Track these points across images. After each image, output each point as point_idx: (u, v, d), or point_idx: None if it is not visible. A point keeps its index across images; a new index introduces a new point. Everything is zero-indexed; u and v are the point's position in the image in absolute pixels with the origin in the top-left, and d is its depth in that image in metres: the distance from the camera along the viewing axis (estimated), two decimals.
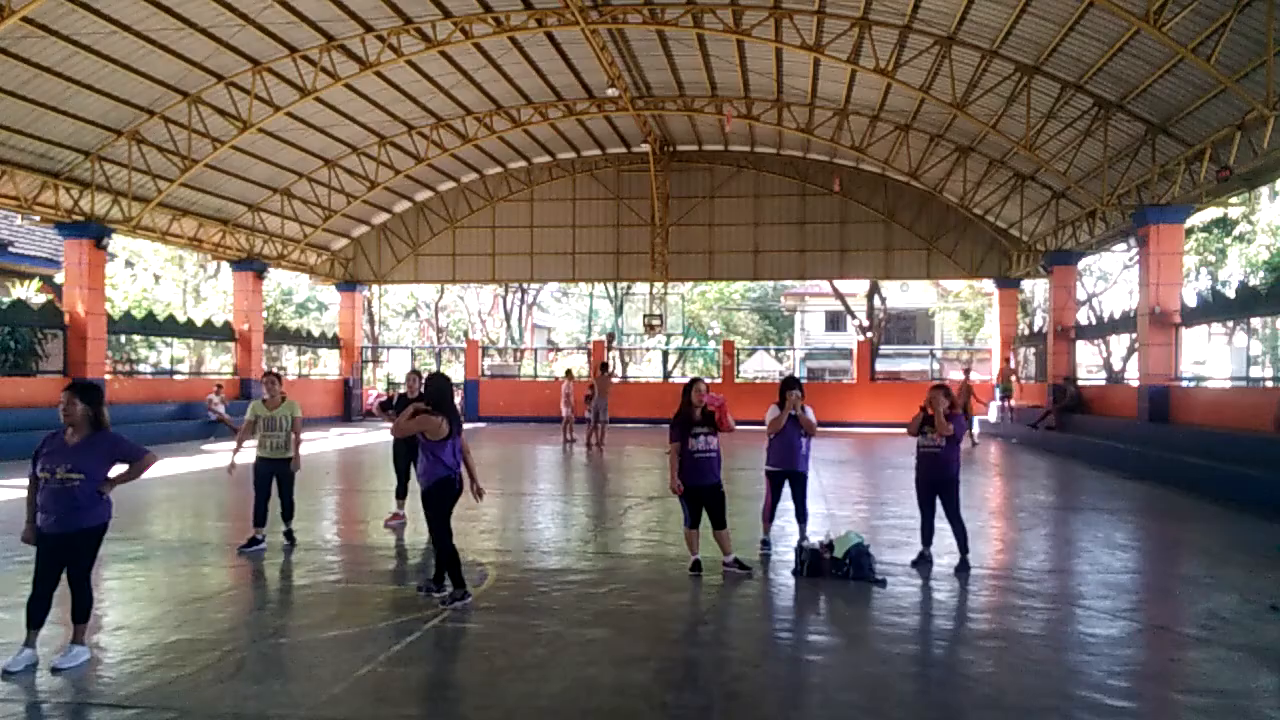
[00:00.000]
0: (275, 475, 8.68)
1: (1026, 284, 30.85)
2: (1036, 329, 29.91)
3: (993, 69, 17.34)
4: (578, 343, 47.96)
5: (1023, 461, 18.38)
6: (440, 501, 6.67)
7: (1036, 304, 36.02)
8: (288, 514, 8.82)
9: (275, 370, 9.56)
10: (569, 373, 22.86)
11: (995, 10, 15.66)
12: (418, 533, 9.41)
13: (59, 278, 21.59)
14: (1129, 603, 7.08)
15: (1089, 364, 34.55)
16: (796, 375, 27.82)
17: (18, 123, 17.20)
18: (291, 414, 8.73)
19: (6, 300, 20.18)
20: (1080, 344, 24.76)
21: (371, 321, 39.73)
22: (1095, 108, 17.29)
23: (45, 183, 18.83)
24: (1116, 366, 31.61)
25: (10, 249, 25.19)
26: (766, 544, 8.54)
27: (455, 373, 34.13)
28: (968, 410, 22.19)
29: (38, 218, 19.69)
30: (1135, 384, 18.76)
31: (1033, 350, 27.46)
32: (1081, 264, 26.28)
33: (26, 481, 5.32)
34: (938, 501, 8.01)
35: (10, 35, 14.42)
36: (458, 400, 28.96)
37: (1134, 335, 21.00)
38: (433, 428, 6.62)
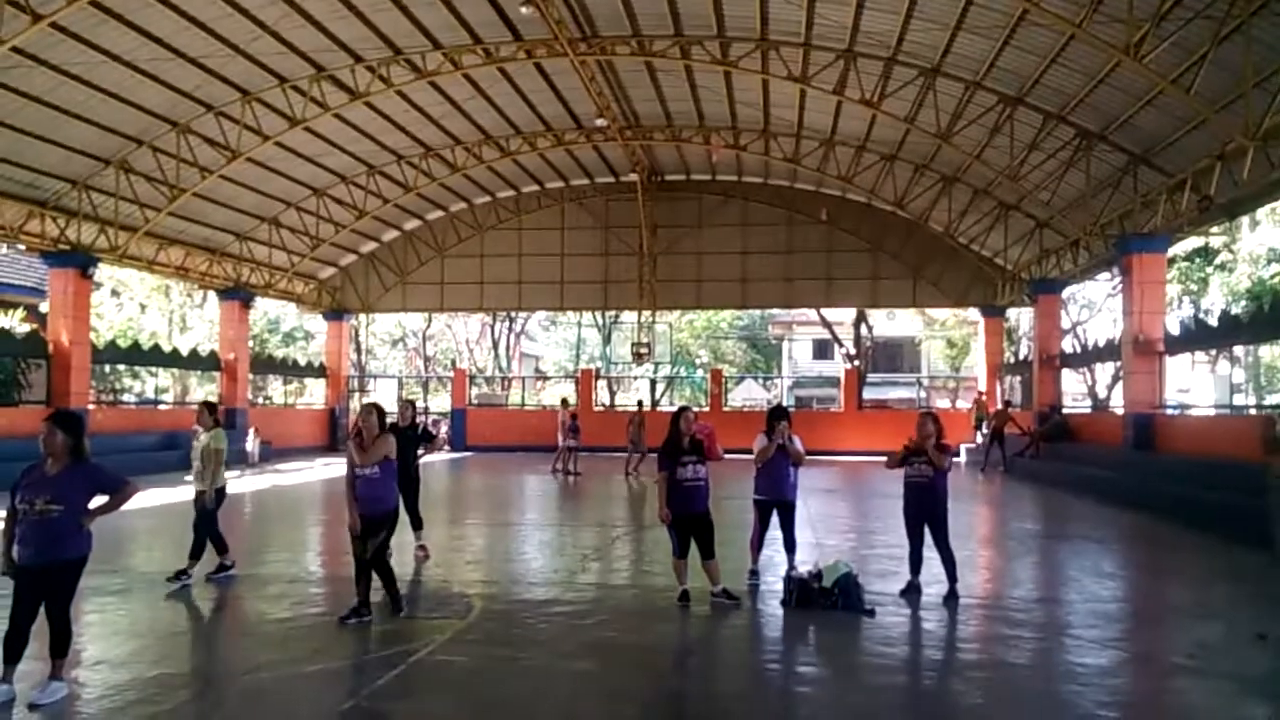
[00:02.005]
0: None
1: (1012, 312, 31.05)
2: (1022, 357, 30.05)
3: (976, 100, 17.58)
4: (565, 371, 47.87)
5: (1008, 490, 18.40)
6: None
7: (1022, 332, 36.23)
8: (218, 547, 8.55)
9: (210, 401, 9.40)
10: (565, 401, 22.85)
11: (979, 42, 15.90)
12: (401, 564, 9.31)
13: (43, 306, 21.47)
14: (1117, 632, 7.07)
15: (1074, 392, 34.71)
16: (784, 404, 27.78)
17: (5, 152, 17.18)
18: (216, 445, 8.48)
19: None
20: (1065, 372, 24.89)
21: (359, 350, 39.61)
22: (1077, 138, 17.52)
23: (31, 211, 18.77)
24: (1101, 394, 31.77)
25: None
26: (755, 574, 8.48)
27: (443, 402, 33.98)
28: (1000, 435, 22.24)
29: (23, 246, 19.63)
30: (1120, 412, 18.85)
31: (1019, 378, 27.59)
32: (1065, 292, 26.50)
33: (3, 513, 5.24)
34: (926, 530, 7.98)
35: None
36: (443, 429, 28.85)
37: (1118, 363, 21.14)
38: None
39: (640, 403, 23.32)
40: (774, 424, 8.25)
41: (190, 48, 16.14)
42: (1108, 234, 18.89)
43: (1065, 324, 29.70)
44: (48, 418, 5.36)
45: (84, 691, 5.39)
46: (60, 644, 5.22)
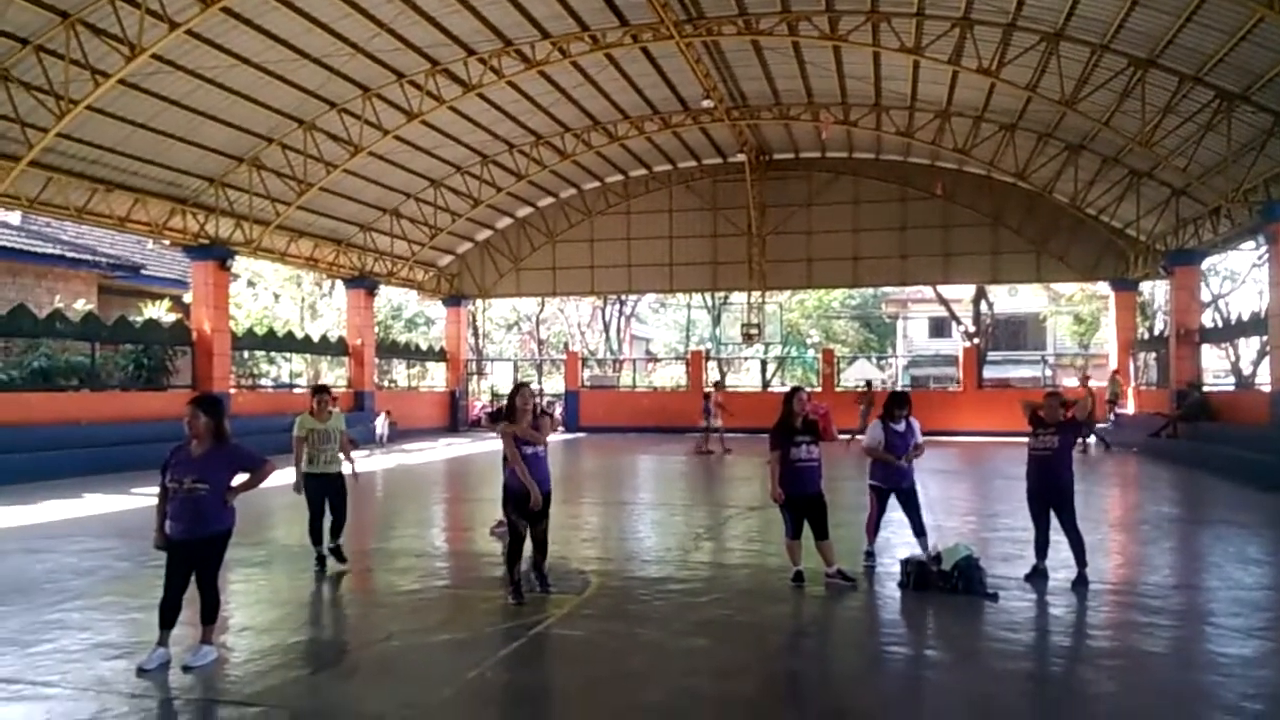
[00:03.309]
0: (326, 492, 8.19)
1: (1145, 286, 29.44)
2: (1157, 333, 28.44)
3: (1104, 64, 16.64)
4: (676, 353, 48.02)
5: (1144, 471, 17.50)
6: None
7: (1157, 306, 34.28)
8: (337, 528, 8.28)
9: (324, 384, 9.51)
10: (718, 384, 23.29)
11: (1105, 3, 15.04)
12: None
13: (187, 298, 22.89)
14: (1264, 621, 6.65)
15: (1215, 369, 32.66)
16: (904, 389, 27.37)
17: (148, 153, 18.36)
18: (339, 428, 8.30)
19: (139, 319, 21.51)
20: (1205, 348, 23.45)
21: (476, 335, 40.72)
22: (1216, 100, 16.39)
23: (174, 209, 20.03)
24: (1246, 371, 29.80)
25: (143, 271, 26.83)
26: (871, 555, 8.31)
27: (556, 384, 34.63)
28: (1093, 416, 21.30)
29: (167, 241, 20.99)
30: (1267, 389, 17.65)
31: (1154, 355, 26.14)
32: (1205, 264, 24.88)
33: (157, 491, 5.65)
34: (1052, 512, 7.67)
35: (140, 72, 15.40)
36: (558, 411, 29.43)
37: (1265, 338, 19.78)
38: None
39: (717, 383, 25.08)
40: (893, 411, 8.08)
41: (314, 48, 16.86)
42: (1251, 201, 17.64)
43: (1205, 297, 27.98)
44: (191, 401, 5.69)
45: (231, 656, 5.78)
46: (210, 611, 5.58)
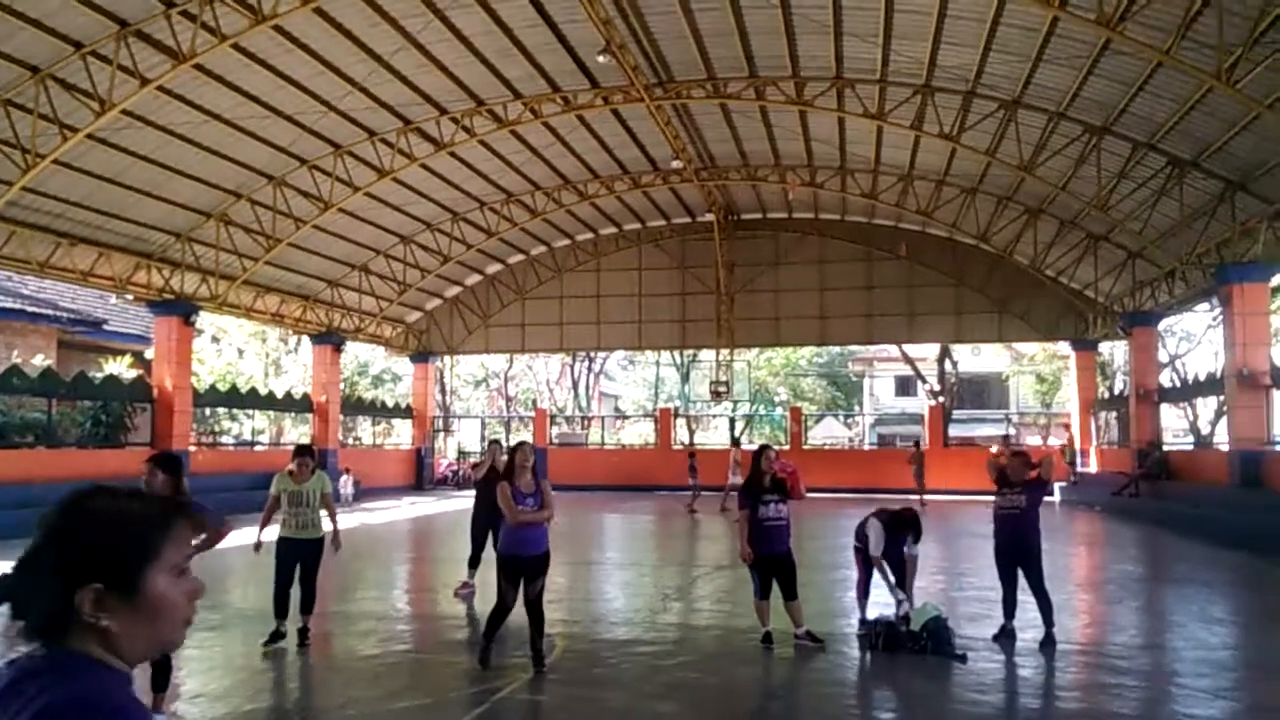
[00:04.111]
0: (300, 558, 7.47)
1: (1105, 346, 30.02)
2: (1117, 392, 28.96)
3: (1060, 130, 17.20)
4: (644, 410, 47.99)
5: (1108, 529, 17.64)
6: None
7: (1116, 366, 34.93)
8: (307, 604, 7.54)
9: (306, 444, 8.59)
10: (737, 442, 23.70)
11: (1060, 74, 15.60)
12: (485, 601, 9.39)
13: (149, 353, 22.58)
14: (1230, 681, 6.68)
15: (1174, 428, 33.23)
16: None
17: (115, 208, 18.23)
18: (321, 488, 7.60)
19: (99, 375, 21.12)
20: (1165, 407, 23.88)
21: (443, 391, 40.45)
22: (1169, 166, 16.96)
23: (139, 263, 19.83)
24: (1204, 430, 30.33)
25: (104, 327, 26.45)
26: (864, 623, 7.81)
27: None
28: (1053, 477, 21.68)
29: (130, 296, 20.72)
30: (1225, 448, 17.96)
31: (1114, 414, 26.56)
32: (1162, 325, 25.51)
33: None
34: (1019, 572, 7.67)
35: (109, 126, 15.37)
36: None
37: (1221, 398, 20.19)
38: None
39: (735, 440, 26.38)
40: (899, 535, 7.82)
41: (286, 105, 16.96)
42: (1205, 264, 18.18)
43: (1163, 357, 28.55)
44: (150, 459, 5.60)
45: None
46: (162, 679, 5.39)
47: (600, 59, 15.98)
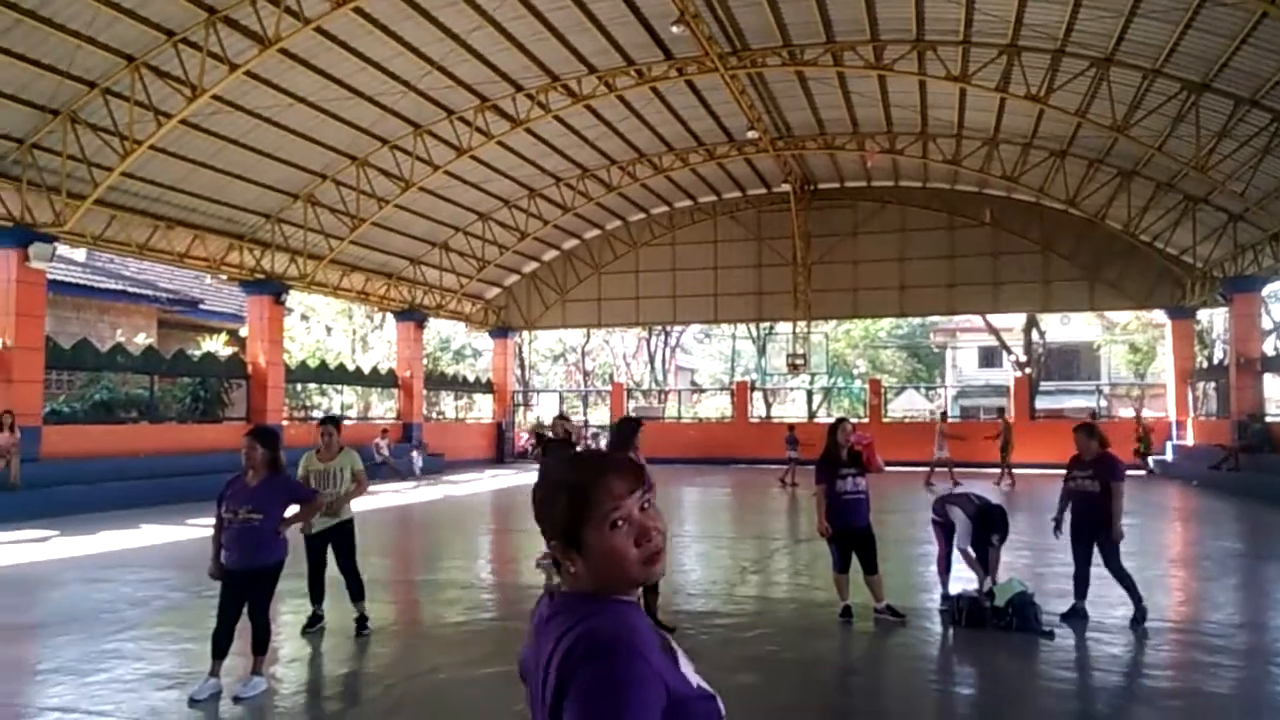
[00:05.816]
0: (331, 543, 7.08)
1: (1203, 314, 28.72)
2: (1216, 362, 27.70)
3: (1156, 88, 16.40)
4: (721, 384, 47.87)
5: (1204, 504, 16.98)
6: None
7: (1216, 335, 33.40)
8: (356, 592, 7.10)
9: (333, 415, 7.61)
10: (945, 415, 25.41)
11: (1156, 28, 14.86)
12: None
13: (243, 331, 23.45)
14: None
15: (1278, 399, 31.65)
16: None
17: (207, 190, 18.92)
18: (351, 465, 7.06)
19: (197, 353, 22.05)
20: (1268, 377, 22.77)
21: (522, 366, 41.04)
22: (1275, 123, 16.05)
23: (231, 244, 20.58)
24: None
25: (201, 306, 27.58)
26: (946, 598, 7.72)
27: (602, 415, 34.72)
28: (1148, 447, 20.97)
29: (224, 276, 21.55)
30: None
31: (1213, 385, 25.44)
32: (1266, 290, 24.26)
33: (213, 521, 5.76)
34: (1093, 551, 7.29)
35: (201, 112, 15.93)
36: (602, 442, 29.45)
37: None
38: None
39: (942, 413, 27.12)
40: (985, 533, 7.61)
41: (367, 86, 17.31)
42: None
43: (1267, 324, 27.21)
44: (248, 433, 5.78)
45: (281, 687, 5.85)
46: (261, 642, 5.62)
47: (674, 29, 15.85)
